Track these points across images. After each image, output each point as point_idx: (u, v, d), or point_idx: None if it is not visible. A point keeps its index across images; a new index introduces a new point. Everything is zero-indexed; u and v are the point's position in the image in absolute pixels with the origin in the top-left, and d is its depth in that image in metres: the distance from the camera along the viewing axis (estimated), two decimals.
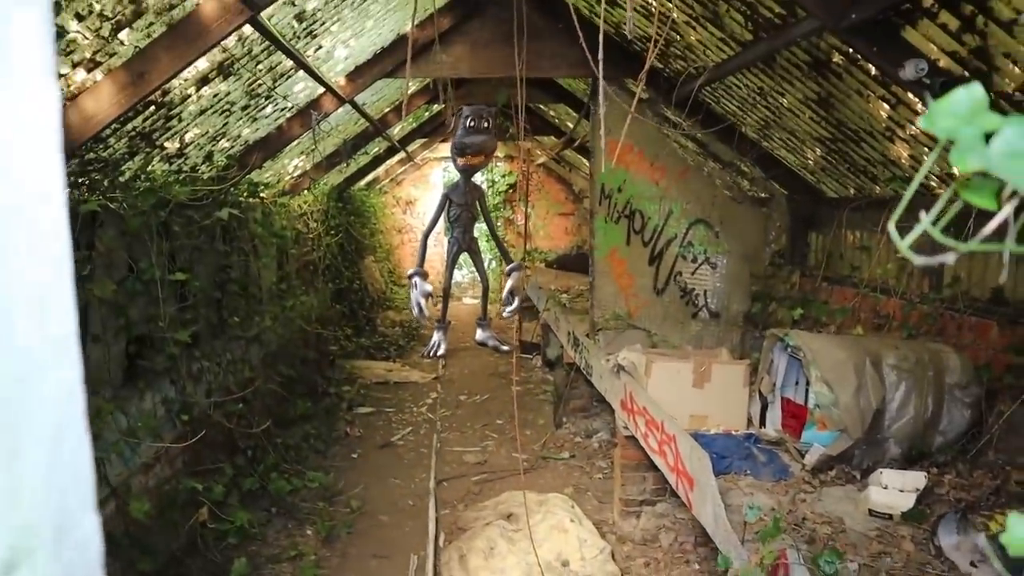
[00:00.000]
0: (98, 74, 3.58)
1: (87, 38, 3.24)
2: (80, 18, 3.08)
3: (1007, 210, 0.78)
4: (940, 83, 3.78)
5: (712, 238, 6.69)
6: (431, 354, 4.00)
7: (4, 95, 0.53)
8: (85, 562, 0.60)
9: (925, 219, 0.77)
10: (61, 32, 3.06)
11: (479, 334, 3.64)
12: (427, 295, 3.46)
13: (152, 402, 5.16)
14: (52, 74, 0.56)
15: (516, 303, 3.62)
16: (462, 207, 3.46)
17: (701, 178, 6.96)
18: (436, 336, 3.88)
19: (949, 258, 0.80)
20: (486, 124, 3.35)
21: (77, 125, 3.58)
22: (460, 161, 3.40)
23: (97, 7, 3.10)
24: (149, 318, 5.00)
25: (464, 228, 3.51)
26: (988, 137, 0.68)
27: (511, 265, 3.54)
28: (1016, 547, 0.69)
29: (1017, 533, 0.69)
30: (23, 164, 0.55)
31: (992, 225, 0.79)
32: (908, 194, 0.80)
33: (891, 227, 0.79)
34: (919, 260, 0.79)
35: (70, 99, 3.58)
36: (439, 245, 14.85)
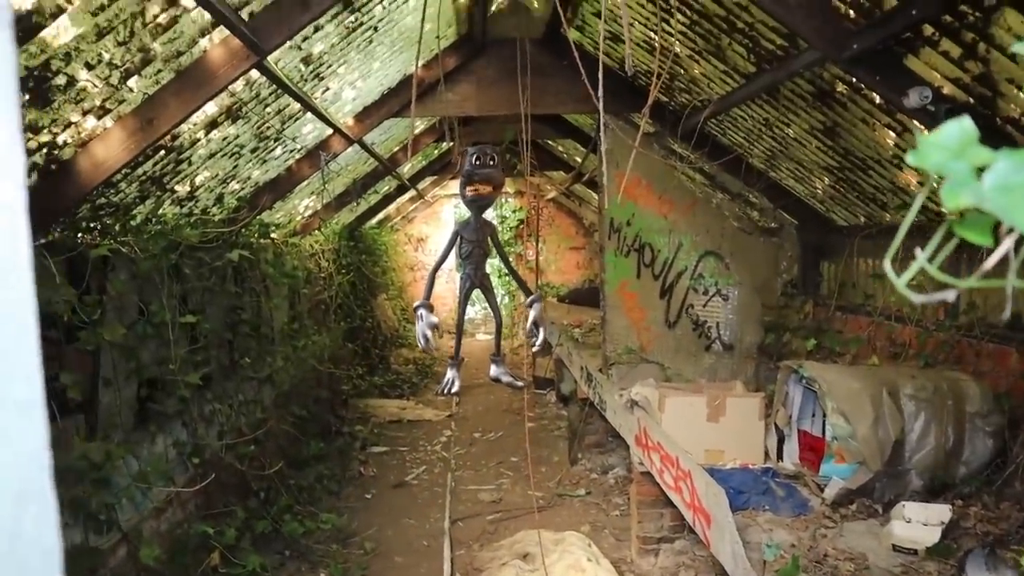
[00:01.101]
0: (108, 121, 3.63)
1: (96, 86, 3.29)
2: (90, 67, 3.14)
3: (1007, 244, 0.76)
4: (945, 110, 3.77)
5: (723, 270, 6.65)
6: (445, 391, 3.98)
7: None
8: None
9: (921, 256, 0.74)
10: (72, 81, 3.11)
11: (493, 370, 3.61)
12: (433, 327, 3.44)
13: (164, 445, 5.15)
14: (16, 138, 0.56)
15: (541, 334, 3.59)
16: (473, 243, 3.46)
17: (710, 210, 6.95)
18: (450, 373, 3.86)
19: (949, 295, 0.78)
20: (492, 161, 3.37)
21: (87, 171, 3.62)
22: (468, 191, 3.40)
23: (107, 56, 3.15)
24: (160, 361, 5.01)
25: (476, 264, 3.50)
26: (980, 172, 0.66)
27: (531, 297, 3.52)
28: None
29: None
30: None
31: (991, 262, 0.77)
32: (901, 232, 0.78)
33: (887, 265, 0.77)
34: (918, 298, 0.77)
35: (81, 146, 3.63)
36: (451, 282, 14.88)
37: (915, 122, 4.37)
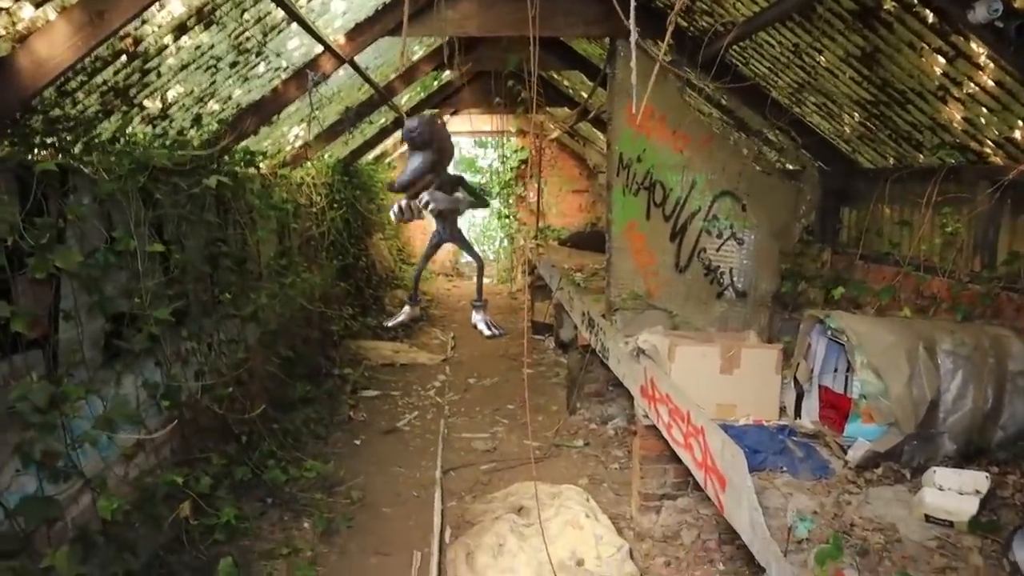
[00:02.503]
0: (50, 11, 3.13)
1: None
2: None
3: None
4: (1016, 26, 3.28)
5: (739, 212, 6.17)
6: (389, 324, 3.99)
7: None
8: None
9: None
10: None
11: (473, 316, 3.31)
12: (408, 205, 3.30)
13: (134, 386, 4.77)
14: None
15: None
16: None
17: (727, 147, 6.44)
18: (404, 309, 3.69)
19: None
20: (422, 140, 3.11)
21: (29, 70, 3.14)
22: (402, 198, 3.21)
23: None
24: (129, 294, 4.58)
25: (443, 222, 3.27)
26: None
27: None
28: None
29: None
30: None
31: None
32: None
33: None
34: None
35: (19, 41, 3.14)
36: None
37: (973, 45, 3.87)
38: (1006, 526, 3.26)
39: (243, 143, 6.26)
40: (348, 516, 5.75)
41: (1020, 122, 4.28)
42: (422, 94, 11.21)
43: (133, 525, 4.40)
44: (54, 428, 3.54)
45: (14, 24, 3.04)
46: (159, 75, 4.40)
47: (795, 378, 4.72)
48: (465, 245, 3.34)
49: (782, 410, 4.82)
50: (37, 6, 3.05)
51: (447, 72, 10.02)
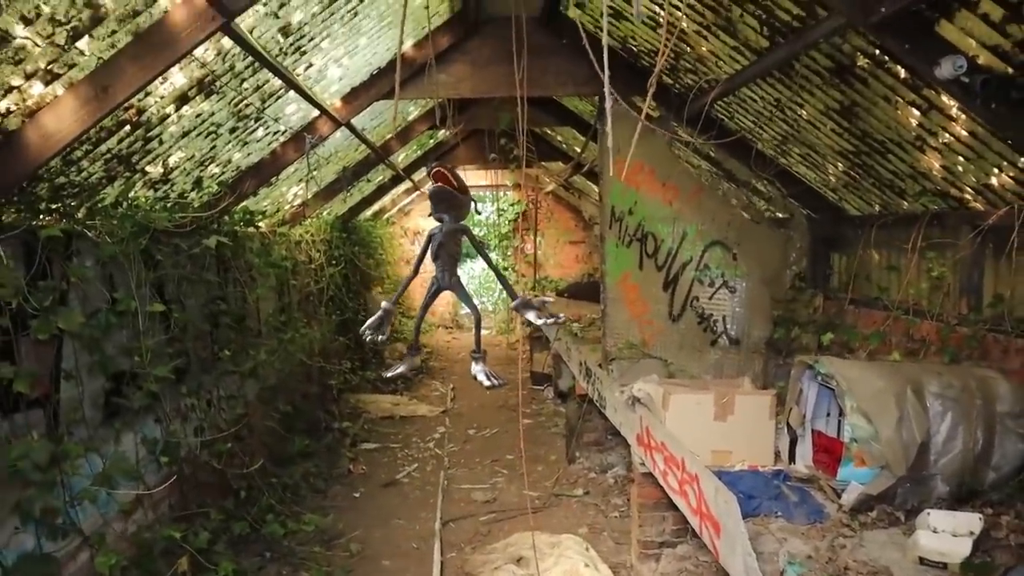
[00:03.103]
0: (58, 87, 3.29)
1: (38, 45, 2.95)
2: (27, 22, 2.79)
3: None
4: (981, 80, 3.43)
5: (730, 261, 6.30)
6: (388, 374, 3.96)
7: None
8: None
9: None
10: (5, 37, 2.76)
11: (473, 367, 3.33)
12: (380, 320, 3.25)
13: (134, 443, 4.81)
14: None
15: (536, 315, 3.24)
16: (442, 242, 3.20)
17: (716, 198, 6.60)
18: (405, 360, 3.69)
19: None
20: (450, 187, 3.13)
21: (36, 143, 3.28)
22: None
23: (47, 10, 2.81)
24: (129, 352, 4.67)
25: (444, 267, 3.28)
26: None
27: (516, 302, 3.22)
28: None
29: None
30: None
31: None
32: None
33: None
34: None
35: (28, 116, 3.29)
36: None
37: (944, 98, 4.03)
38: (999, 567, 3.28)
39: (243, 203, 6.41)
40: (347, 569, 5.73)
41: (995, 169, 4.42)
42: (418, 151, 11.45)
43: None
44: (54, 486, 3.59)
45: (24, 100, 3.19)
46: (161, 142, 4.55)
47: (788, 423, 4.77)
48: (464, 296, 3.39)
49: (777, 455, 4.87)
50: (47, 84, 3.21)
51: (442, 132, 10.27)
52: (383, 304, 3.35)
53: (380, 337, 3.30)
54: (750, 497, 4.20)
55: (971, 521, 3.61)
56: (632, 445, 5.37)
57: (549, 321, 3.22)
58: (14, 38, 2.79)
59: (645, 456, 5.06)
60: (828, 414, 4.63)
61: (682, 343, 6.33)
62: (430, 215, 3.21)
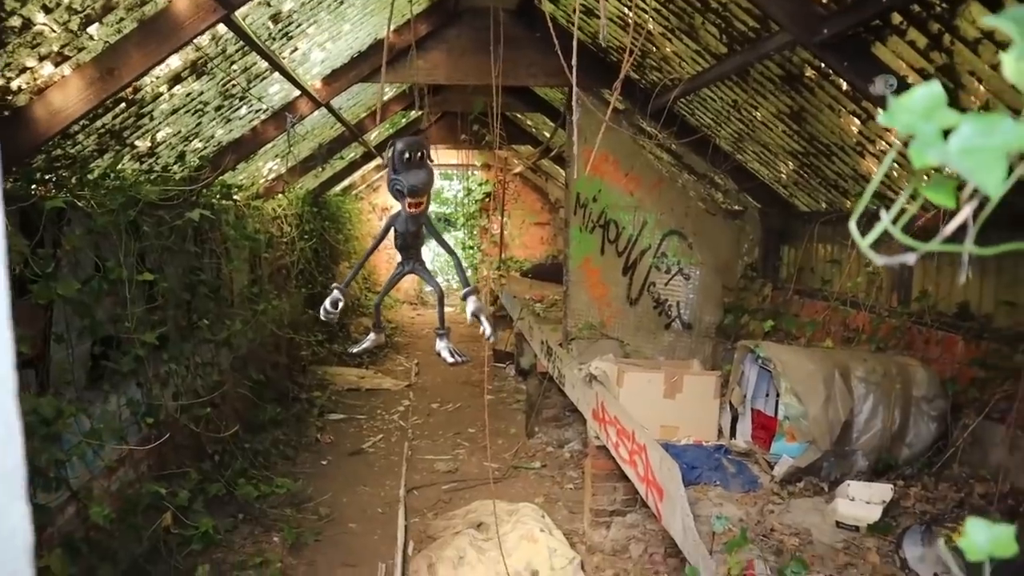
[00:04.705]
0: (66, 68, 3.52)
1: (55, 31, 3.18)
2: (47, 10, 3.03)
3: (967, 211, 0.78)
4: None
5: (686, 249, 6.72)
6: (353, 350, 4.17)
7: None
8: (13, 551, 0.58)
9: (885, 218, 0.76)
10: (27, 24, 3.00)
11: (437, 343, 3.55)
12: (335, 303, 3.39)
13: (117, 404, 5.06)
14: None
15: (486, 325, 3.42)
16: (405, 234, 3.35)
17: (675, 189, 7.00)
18: (369, 336, 3.91)
19: (909, 258, 0.80)
20: (420, 155, 3.18)
21: (43, 119, 3.51)
22: (410, 204, 3.21)
23: (66, 0, 3.05)
24: (116, 319, 4.91)
25: (408, 253, 3.44)
26: (947, 135, 0.68)
27: (465, 290, 3.35)
28: (973, 552, 0.69)
29: (975, 538, 0.68)
30: None
31: (952, 226, 0.79)
32: (868, 192, 0.80)
33: (852, 226, 0.78)
34: (880, 260, 0.79)
35: (36, 93, 3.51)
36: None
37: (879, 110, 4.43)
38: (898, 527, 3.75)
39: (220, 177, 6.62)
40: (316, 531, 6.06)
41: (926, 177, 4.85)
42: (391, 130, 11.65)
43: (115, 534, 4.69)
44: (57, 439, 3.85)
45: (35, 80, 3.42)
46: (151, 118, 4.77)
47: (731, 402, 5.20)
48: (427, 275, 3.57)
49: (719, 431, 5.30)
50: (56, 65, 3.44)
51: (415, 111, 10.49)
52: (335, 288, 3.44)
53: (332, 315, 3.42)
54: (692, 467, 4.62)
55: (884, 491, 4.07)
56: (588, 419, 5.77)
57: (485, 324, 3.37)
58: (34, 24, 3.03)
59: (600, 429, 5.46)
60: (767, 394, 5.06)
61: (638, 325, 6.74)
62: (393, 171, 3.15)
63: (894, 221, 0.76)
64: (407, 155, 3.09)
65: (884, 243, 0.80)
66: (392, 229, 3.39)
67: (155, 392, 5.42)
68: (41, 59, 3.33)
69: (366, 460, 7.98)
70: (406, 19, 6.24)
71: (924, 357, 4.91)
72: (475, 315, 3.32)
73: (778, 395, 4.79)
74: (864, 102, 4.55)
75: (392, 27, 6.44)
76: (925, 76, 3.82)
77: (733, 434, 5.21)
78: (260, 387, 7.87)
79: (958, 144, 0.66)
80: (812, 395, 4.35)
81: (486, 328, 3.37)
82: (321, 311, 3.44)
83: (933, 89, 0.69)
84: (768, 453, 4.72)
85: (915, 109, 0.68)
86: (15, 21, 2.96)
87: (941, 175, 0.72)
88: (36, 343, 4.31)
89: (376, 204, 17.90)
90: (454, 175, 18.04)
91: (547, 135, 10.81)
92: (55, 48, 3.33)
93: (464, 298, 3.32)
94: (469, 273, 18.13)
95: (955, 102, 3.85)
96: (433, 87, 9.03)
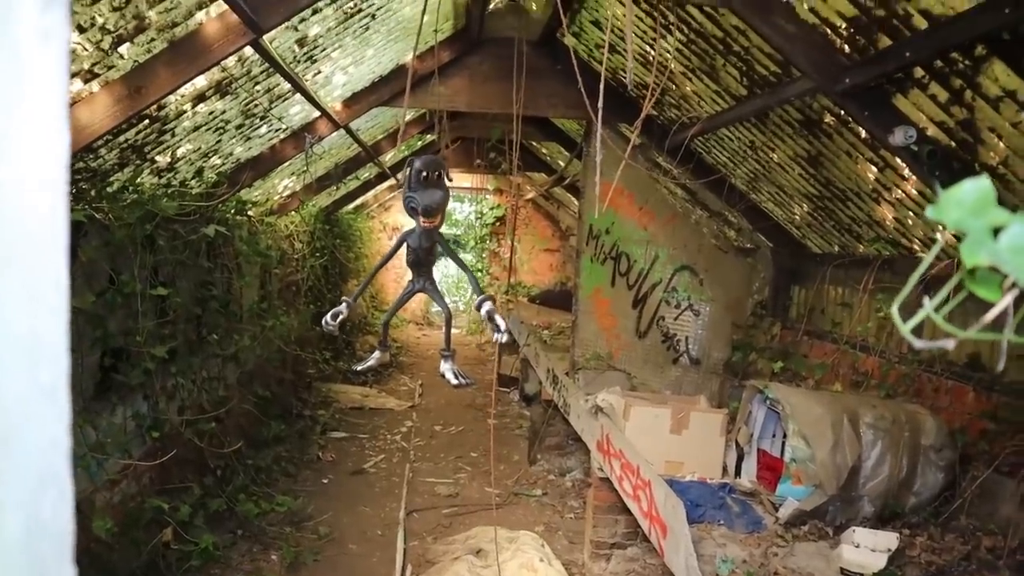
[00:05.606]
0: (95, 85, 3.57)
1: (87, 50, 3.23)
2: (82, 30, 3.08)
3: (1007, 300, 0.79)
4: (928, 151, 3.86)
5: (696, 285, 6.73)
6: (357, 367, 4.13)
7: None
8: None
9: (928, 306, 0.77)
10: None
11: (442, 365, 3.50)
12: (336, 316, 3.37)
13: (123, 417, 5.07)
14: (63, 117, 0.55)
15: (502, 324, 3.34)
16: (417, 251, 3.35)
17: (688, 225, 7.03)
18: (374, 354, 3.87)
19: (949, 344, 0.81)
20: (438, 175, 3.19)
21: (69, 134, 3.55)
22: (424, 222, 3.22)
23: (100, 20, 3.10)
24: (127, 331, 4.93)
25: (419, 271, 3.42)
26: (996, 231, 0.69)
27: (480, 298, 3.31)
28: None
29: None
30: (28, 210, 0.54)
31: (992, 314, 0.80)
32: (913, 279, 0.80)
33: (894, 311, 0.79)
34: (920, 344, 0.80)
35: None
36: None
37: (897, 159, 4.46)
38: None
39: (237, 194, 6.67)
40: (315, 551, 6.02)
41: (940, 226, 4.86)
42: (406, 152, 11.73)
43: (115, 548, 4.67)
44: None
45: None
46: (173, 135, 4.82)
47: (737, 441, 5.18)
48: (437, 295, 3.54)
49: (724, 469, 5.27)
50: (86, 82, 3.49)
51: (431, 135, 10.58)
52: (343, 301, 3.43)
53: (331, 327, 3.39)
54: (696, 505, 4.59)
55: (889, 539, 4.03)
56: (592, 451, 5.75)
57: (502, 328, 3.29)
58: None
59: (604, 462, 5.43)
60: (773, 435, 5.04)
61: (646, 359, 6.73)
62: (409, 189, 3.14)
63: (937, 309, 0.76)
64: (424, 174, 3.11)
65: (898, 290, 0.80)
66: (405, 245, 3.39)
67: (161, 406, 5.42)
68: (72, 76, 3.38)
69: (367, 480, 7.94)
70: (429, 46, 6.32)
71: (933, 406, 4.89)
72: (489, 316, 3.26)
73: (785, 436, 4.77)
74: (882, 151, 4.57)
75: (416, 52, 6.52)
76: (945, 129, 3.84)
77: (738, 473, 5.18)
78: (265, 403, 7.87)
79: (1008, 243, 0.67)
80: (820, 439, 4.33)
81: (500, 326, 3.27)
82: (323, 321, 3.41)
83: (981, 184, 0.70)
84: (773, 494, 4.70)
85: (964, 204, 0.69)
86: None
87: (988, 270, 0.73)
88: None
89: (387, 223, 17.97)
90: (466, 198, 18.13)
91: (561, 164, 10.87)
92: (86, 66, 3.38)
93: (479, 304, 3.26)
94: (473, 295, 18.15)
95: (974, 156, 3.88)
96: (451, 112, 9.12)
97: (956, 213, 0.69)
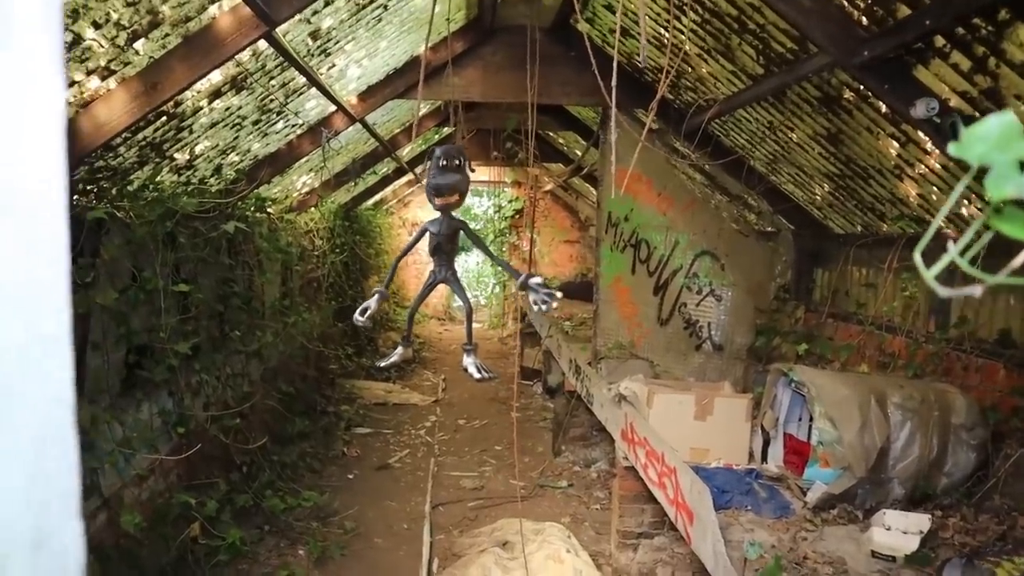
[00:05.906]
0: (112, 82, 3.59)
1: (103, 46, 3.25)
2: (97, 26, 3.10)
3: None
4: (951, 122, 3.77)
5: (718, 270, 6.67)
6: (379, 364, 4.11)
7: (6, 81, 0.51)
8: (63, 570, 0.58)
9: (953, 249, 0.74)
10: (77, 39, 3.07)
11: (464, 359, 3.50)
12: (365, 309, 3.36)
13: (149, 413, 5.12)
14: (59, 71, 0.54)
15: (544, 295, 3.23)
16: (439, 238, 3.35)
17: (708, 210, 6.96)
18: (397, 349, 3.86)
19: (976, 290, 0.78)
20: (458, 163, 3.23)
21: (88, 132, 3.58)
22: (437, 201, 3.26)
23: (114, 16, 3.11)
24: (150, 328, 4.98)
25: (441, 260, 3.41)
26: (1023, 165, 0.66)
27: (521, 278, 3.27)
28: None
29: None
30: (26, 160, 0.53)
31: (1020, 259, 0.77)
32: (935, 223, 0.78)
33: (917, 257, 0.76)
34: (944, 292, 0.77)
35: (83, 106, 3.59)
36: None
37: (920, 133, 4.38)
38: (938, 559, 3.65)
39: (256, 190, 6.71)
40: (341, 545, 6.06)
41: (965, 201, 4.78)
42: (423, 146, 11.74)
43: (144, 543, 4.73)
44: (92, 447, 3.90)
45: (81, 93, 3.49)
46: (191, 132, 4.85)
47: (762, 426, 5.12)
48: (459, 288, 3.53)
49: (750, 455, 5.22)
50: (103, 79, 3.51)
51: (447, 127, 10.57)
52: (376, 289, 3.45)
53: (363, 319, 3.39)
54: (723, 491, 4.55)
55: (921, 521, 3.97)
56: (616, 440, 5.72)
57: (548, 299, 3.18)
58: (83, 40, 3.10)
59: (628, 450, 5.40)
60: (799, 419, 4.98)
61: (668, 346, 6.68)
62: (432, 180, 3.17)
63: (961, 253, 0.73)
64: (443, 161, 3.15)
65: (939, 276, 0.77)
66: (426, 232, 3.39)
67: (186, 402, 5.47)
68: (88, 73, 3.40)
69: (392, 475, 7.98)
70: (442, 36, 6.30)
71: (963, 384, 4.80)
72: (538, 286, 3.18)
73: (811, 420, 4.71)
74: (903, 125, 4.49)
75: (429, 44, 6.51)
76: (968, 99, 3.76)
77: (764, 458, 5.13)
78: (289, 399, 7.92)
79: None
80: (847, 421, 4.27)
81: (542, 297, 3.20)
82: (354, 317, 3.43)
83: (1006, 119, 0.67)
84: (801, 479, 4.64)
85: (989, 139, 0.66)
86: (67, 37, 3.02)
87: (1015, 207, 0.70)
88: (73, 351, 4.38)
89: (406, 219, 18.02)
90: (484, 191, 18.11)
91: (579, 153, 10.82)
92: (102, 63, 3.40)
93: (526, 280, 3.19)
94: (497, 290, 18.18)
95: None
96: (467, 104, 9.10)
97: (980, 147, 0.66)
